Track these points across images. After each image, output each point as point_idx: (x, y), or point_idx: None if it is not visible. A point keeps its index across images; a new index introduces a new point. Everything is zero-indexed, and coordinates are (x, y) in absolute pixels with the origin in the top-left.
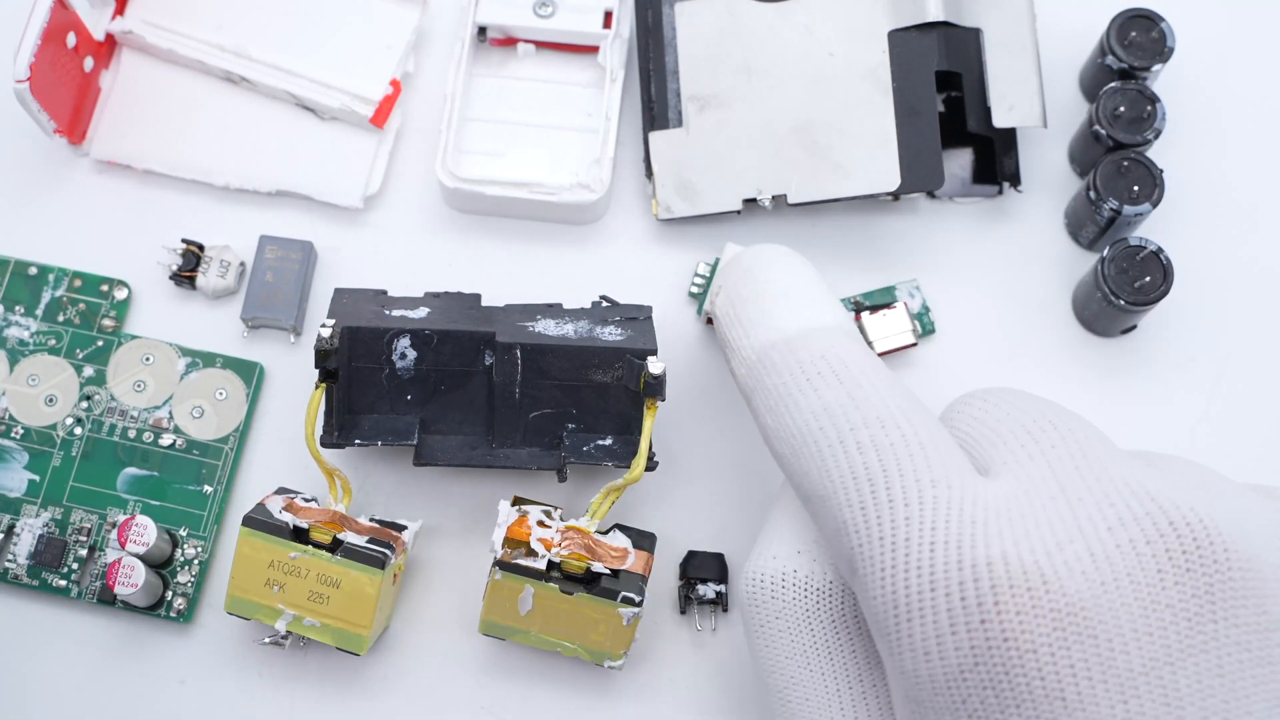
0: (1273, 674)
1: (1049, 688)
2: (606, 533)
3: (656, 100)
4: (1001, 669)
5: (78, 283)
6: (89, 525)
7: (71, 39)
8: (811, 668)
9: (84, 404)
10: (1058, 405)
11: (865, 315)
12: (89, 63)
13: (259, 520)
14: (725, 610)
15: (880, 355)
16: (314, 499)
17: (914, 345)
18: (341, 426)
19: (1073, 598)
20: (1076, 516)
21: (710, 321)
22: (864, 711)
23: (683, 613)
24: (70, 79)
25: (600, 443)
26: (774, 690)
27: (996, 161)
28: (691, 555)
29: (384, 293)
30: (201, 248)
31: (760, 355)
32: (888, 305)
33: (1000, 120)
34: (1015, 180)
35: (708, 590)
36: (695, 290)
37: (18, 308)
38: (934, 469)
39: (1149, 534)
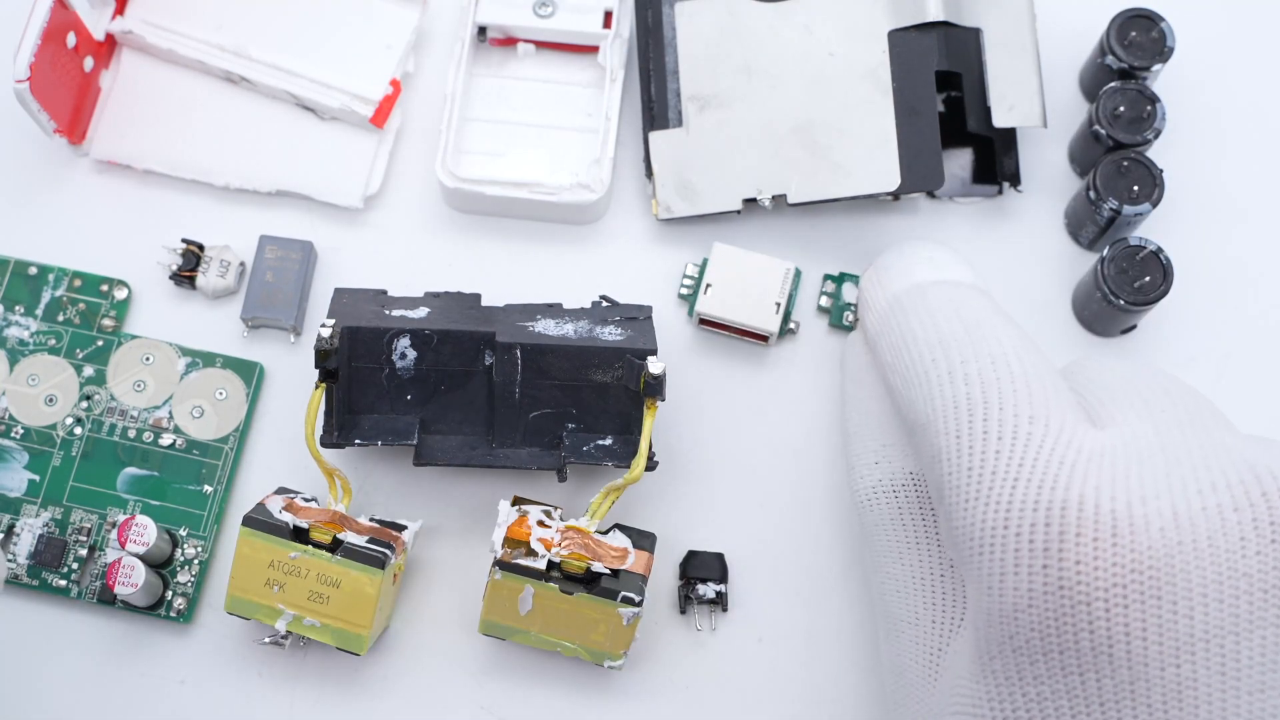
0: None
1: (1098, 641)
2: (606, 533)
3: (656, 100)
4: (1054, 615)
5: (78, 283)
6: (89, 525)
7: (71, 39)
8: (903, 560)
9: (84, 404)
10: (1176, 378)
11: None
12: (89, 63)
13: (259, 520)
14: (725, 610)
15: None
16: (314, 499)
17: None
18: (341, 426)
19: (1143, 553)
20: (1169, 475)
21: (702, 323)
22: (945, 604)
23: (683, 613)
24: (70, 79)
25: (600, 443)
26: (874, 585)
27: (996, 161)
28: (691, 555)
29: (384, 293)
30: (201, 248)
31: (893, 300)
32: None
33: (1000, 120)
34: (1015, 180)
35: (708, 590)
36: (684, 292)
37: (18, 307)
38: (1035, 406)
39: (1239, 501)
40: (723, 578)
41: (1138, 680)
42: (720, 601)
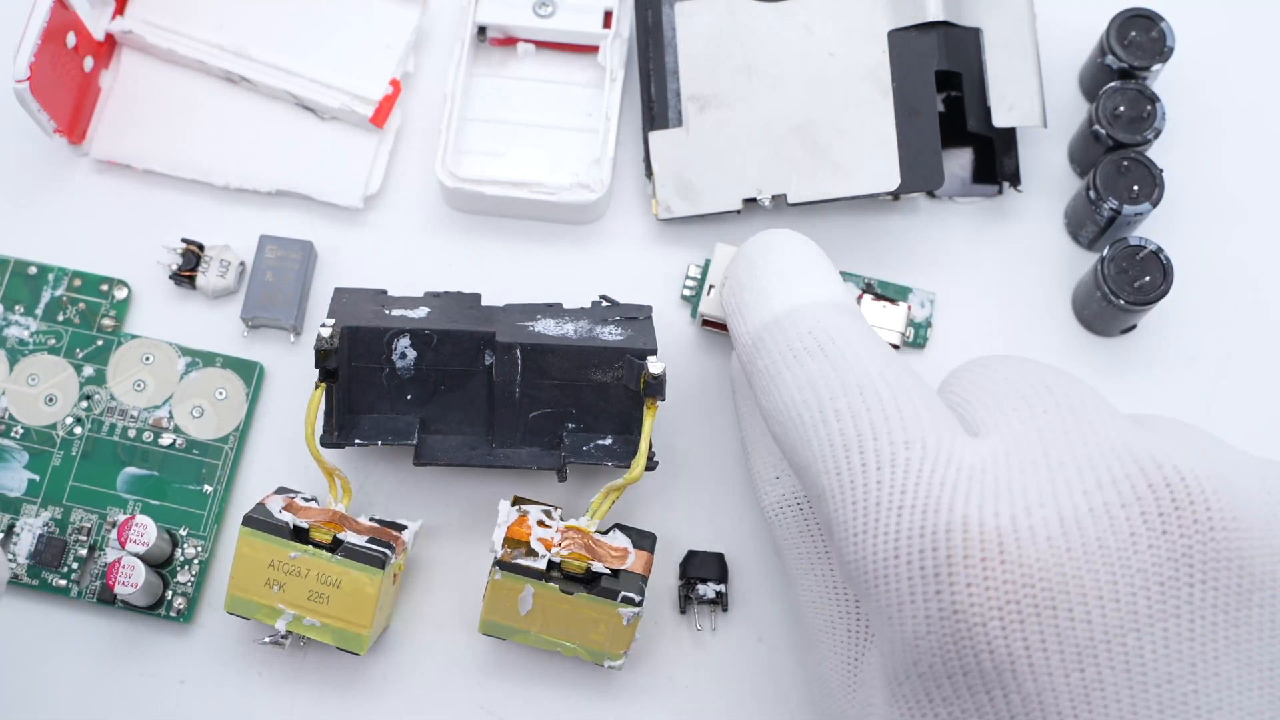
0: (1246, 634)
1: (999, 661)
2: (606, 533)
3: (656, 100)
4: (951, 640)
5: (78, 282)
6: (89, 525)
7: (71, 39)
8: (814, 571)
9: (84, 404)
10: (1060, 371)
11: (867, 298)
12: (89, 63)
13: (259, 520)
14: (725, 610)
15: None
16: (314, 499)
17: (895, 348)
18: (341, 426)
19: (1031, 567)
20: (1054, 480)
21: (705, 323)
22: (858, 614)
23: (683, 613)
24: (70, 79)
25: (600, 443)
26: (791, 597)
27: (996, 161)
28: (691, 555)
29: (384, 293)
30: (201, 247)
31: (754, 338)
32: (893, 300)
33: (1000, 120)
34: (1015, 180)
35: (708, 590)
36: (687, 293)
37: (18, 307)
38: (909, 430)
39: (1125, 497)
40: (723, 578)
41: (1044, 691)
42: (720, 601)
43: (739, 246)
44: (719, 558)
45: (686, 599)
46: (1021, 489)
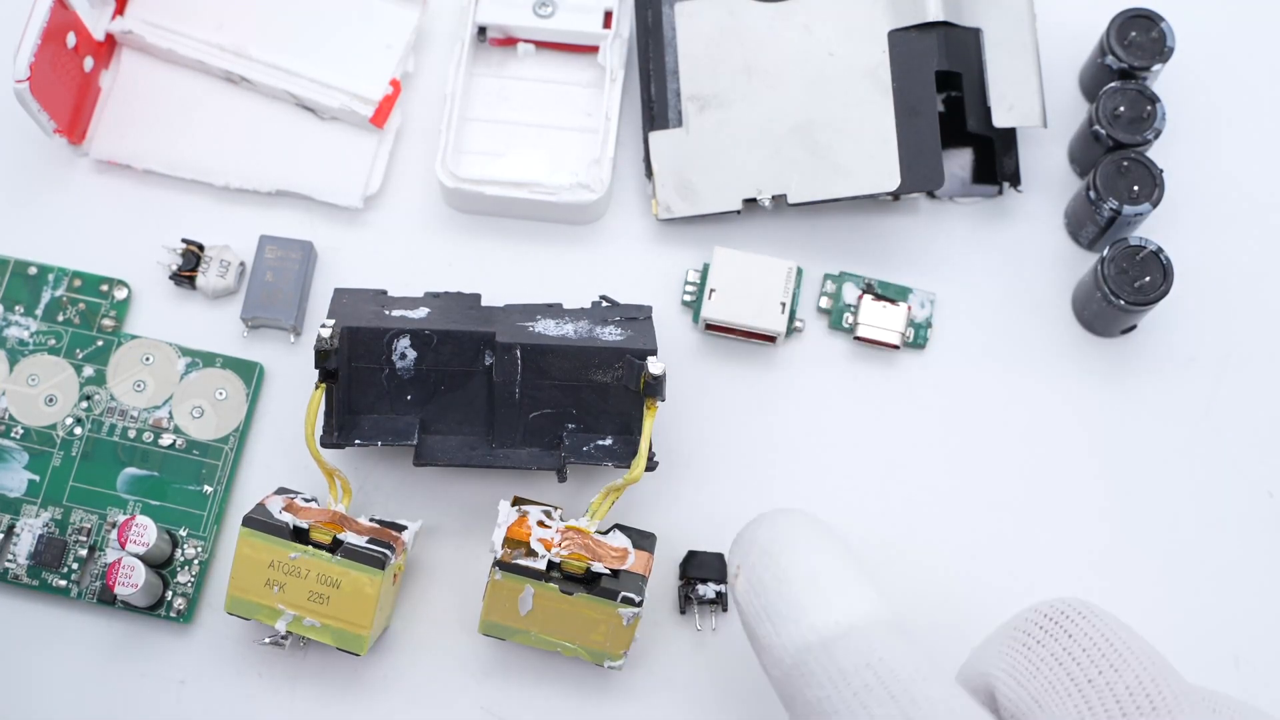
0: None
1: None
2: (606, 533)
3: (656, 100)
4: None
5: (78, 283)
6: (89, 525)
7: (71, 39)
8: None
9: (84, 404)
10: (1121, 648)
11: (867, 298)
12: (89, 63)
13: (259, 520)
14: (725, 610)
15: (857, 339)
16: (314, 499)
17: (895, 348)
18: (341, 426)
19: None
20: None
21: (709, 328)
22: None
23: (683, 613)
24: (70, 79)
25: (600, 443)
26: None
27: (996, 161)
28: (691, 555)
29: (384, 293)
30: (201, 248)
31: (796, 660)
32: (893, 300)
33: (1000, 120)
34: (1015, 180)
35: (708, 590)
36: (688, 298)
37: (18, 308)
38: None
39: None
40: (722, 578)
41: None
42: (720, 601)
43: (745, 529)
44: (719, 557)
45: (687, 599)
46: None
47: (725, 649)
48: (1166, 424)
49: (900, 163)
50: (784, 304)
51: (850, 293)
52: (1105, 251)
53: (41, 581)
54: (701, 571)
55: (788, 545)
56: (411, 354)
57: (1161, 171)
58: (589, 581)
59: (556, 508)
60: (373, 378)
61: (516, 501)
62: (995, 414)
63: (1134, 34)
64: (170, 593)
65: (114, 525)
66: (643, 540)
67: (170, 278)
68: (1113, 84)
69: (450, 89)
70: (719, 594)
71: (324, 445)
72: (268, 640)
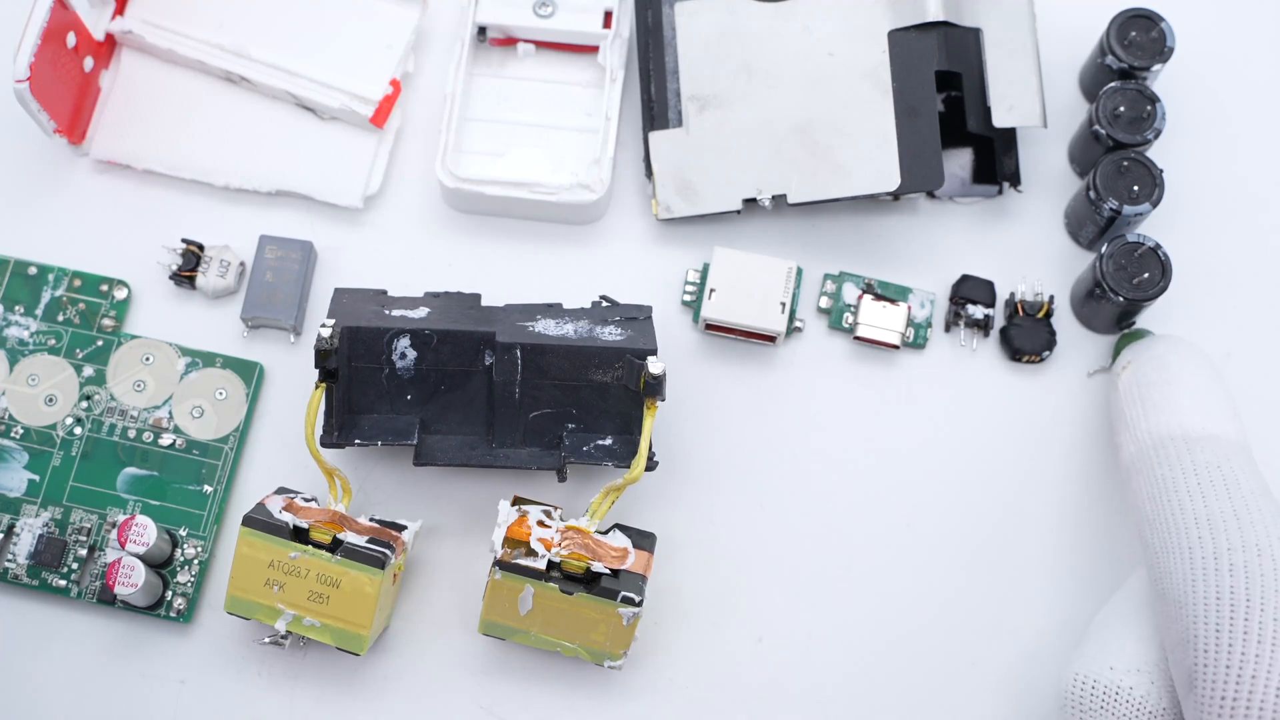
0: None
1: None
2: (606, 533)
3: (656, 100)
4: None
5: (77, 282)
6: (89, 525)
7: (71, 39)
8: None
9: (84, 404)
10: None
11: (867, 298)
12: (89, 63)
13: (259, 520)
14: (986, 335)
15: (857, 339)
16: (314, 499)
17: (895, 348)
18: (341, 426)
19: None
20: None
21: (709, 328)
22: None
23: (947, 330)
24: (70, 79)
25: (600, 443)
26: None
27: (996, 161)
28: (965, 278)
29: (384, 293)
30: (201, 248)
31: (1157, 443)
32: (894, 300)
33: (1000, 120)
34: (1015, 180)
35: (976, 311)
36: (688, 299)
37: (18, 307)
38: None
39: None
40: (990, 303)
41: None
42: (986, 325)
43: (1142, 341)
44: (989, 284)
45: (956, 315)
46: None
47: (725, 649)
48: None
49: (900, 163)
50: (784, 304)
51: (850, 293)
52: (1104, 248)
53: (41, 581)
54: (974, 293)
55: (1179, 360)
56: (411, 354)
57: (1161, 171)
58: (589, 581)
59: (556, 507)
60: (373, 377)
61: (516, 501)
62: (995, 414)
63: (1134, 34)
64: (170, 592)
65: (114, 525)
66: (643, 540)
67: (170, 278)
68: (1113, 84)
69: (450, 89)
70: (986, 316)
71: (324, 445)
72: (267, 640)
